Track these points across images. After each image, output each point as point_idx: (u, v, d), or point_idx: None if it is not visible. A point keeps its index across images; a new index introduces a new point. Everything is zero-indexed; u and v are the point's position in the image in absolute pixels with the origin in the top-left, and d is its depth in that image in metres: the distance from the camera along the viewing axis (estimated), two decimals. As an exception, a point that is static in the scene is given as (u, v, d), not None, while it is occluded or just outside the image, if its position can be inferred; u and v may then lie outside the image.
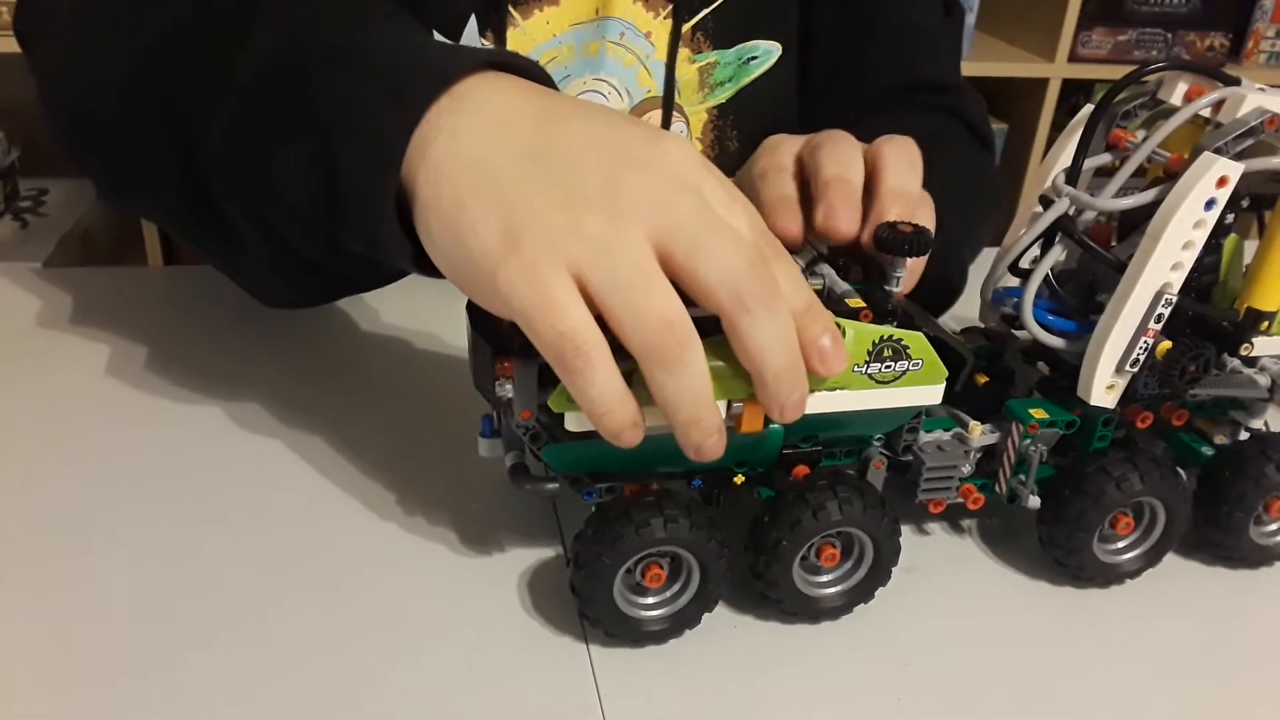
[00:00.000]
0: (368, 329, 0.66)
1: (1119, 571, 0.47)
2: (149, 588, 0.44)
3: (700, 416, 0.38)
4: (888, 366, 0.42)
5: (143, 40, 0.51)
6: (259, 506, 0.50)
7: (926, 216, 0.51)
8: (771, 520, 0.42)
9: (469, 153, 0.39)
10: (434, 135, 0.39)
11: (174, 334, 0.63)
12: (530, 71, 0.43)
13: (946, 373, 0.43)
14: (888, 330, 0.42)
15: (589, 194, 0.37)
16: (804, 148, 0.52)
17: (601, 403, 0.37)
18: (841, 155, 0.49)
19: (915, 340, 0.42)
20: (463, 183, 0.38)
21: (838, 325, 0.40)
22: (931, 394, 0.43)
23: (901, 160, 0.50)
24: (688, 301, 0.37)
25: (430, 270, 0.41)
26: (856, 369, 0.41)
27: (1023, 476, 0.47)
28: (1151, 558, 0.48)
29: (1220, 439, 0.50)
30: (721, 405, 0.40)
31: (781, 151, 0.53)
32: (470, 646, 0.43)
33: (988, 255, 0.52)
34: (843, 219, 0.47)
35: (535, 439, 0.41)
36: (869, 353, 0.41)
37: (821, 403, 0.41)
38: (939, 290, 0.45)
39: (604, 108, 0.42)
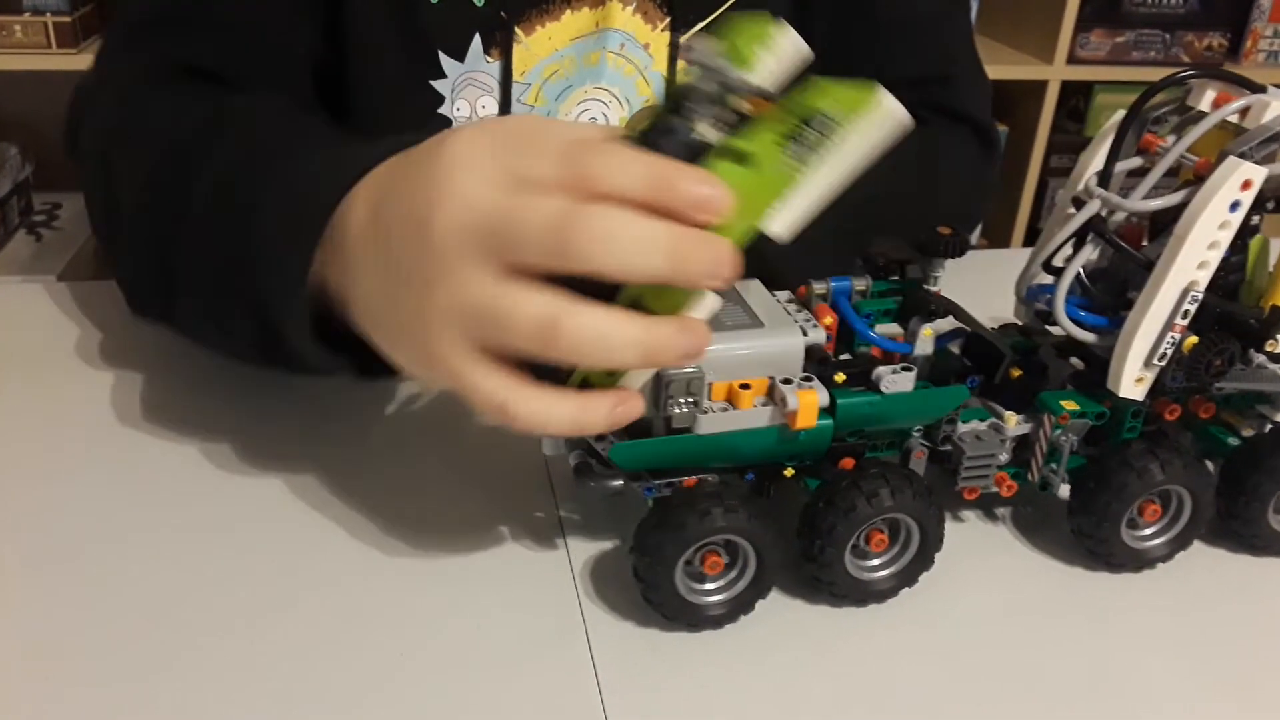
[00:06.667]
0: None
1: (1148, 557, 0.49)
2: (160, 594, 0.45)
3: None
4: (815, 134, 0.37)
5: (133, 181, 0.56)
6: (268, 509, 0.50)
7: None
8: (827, 505, 0.44)
9: (353, 297, 0.43)
10: (324, 284, 0.44)
11: (189, 347, 0.62)
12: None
13: (873, 91, 0.37)
14: (784, 113, 0.37)
15: (425, 277, 0.39)
16: None
17: (543, 420, 0.39)
18: None
19: (820, 94, 0.37)
20: (366, 324, 0.43)
21: (730, 147, 0.38)
22: (882, 116, 0.37)
23: None
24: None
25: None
26: (784, 156, 0.37)
27: (1054, 465, 0.49)
28: (1179, 543, 0.49)
29: (1248, 431, 0.52)
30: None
31: None
32: (470, 643, 0.44)
33: (1022, 254, 0.54)
34: None
35: (600, 438, 0.43)
36: (782, 143, 0.37)
37: (796, 210, 0.37)
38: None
39: (421, 176, 0.40)
